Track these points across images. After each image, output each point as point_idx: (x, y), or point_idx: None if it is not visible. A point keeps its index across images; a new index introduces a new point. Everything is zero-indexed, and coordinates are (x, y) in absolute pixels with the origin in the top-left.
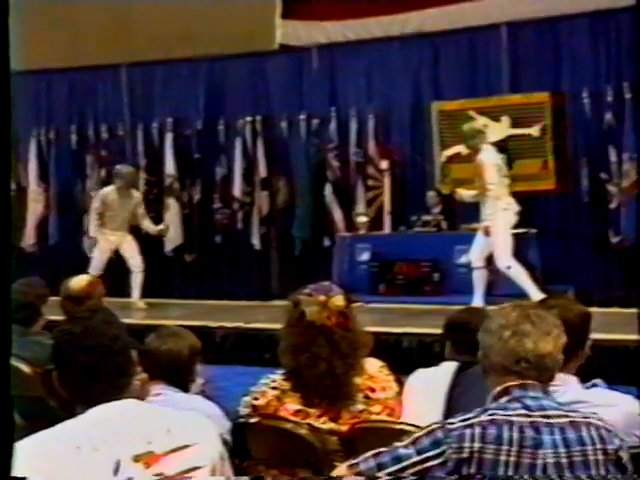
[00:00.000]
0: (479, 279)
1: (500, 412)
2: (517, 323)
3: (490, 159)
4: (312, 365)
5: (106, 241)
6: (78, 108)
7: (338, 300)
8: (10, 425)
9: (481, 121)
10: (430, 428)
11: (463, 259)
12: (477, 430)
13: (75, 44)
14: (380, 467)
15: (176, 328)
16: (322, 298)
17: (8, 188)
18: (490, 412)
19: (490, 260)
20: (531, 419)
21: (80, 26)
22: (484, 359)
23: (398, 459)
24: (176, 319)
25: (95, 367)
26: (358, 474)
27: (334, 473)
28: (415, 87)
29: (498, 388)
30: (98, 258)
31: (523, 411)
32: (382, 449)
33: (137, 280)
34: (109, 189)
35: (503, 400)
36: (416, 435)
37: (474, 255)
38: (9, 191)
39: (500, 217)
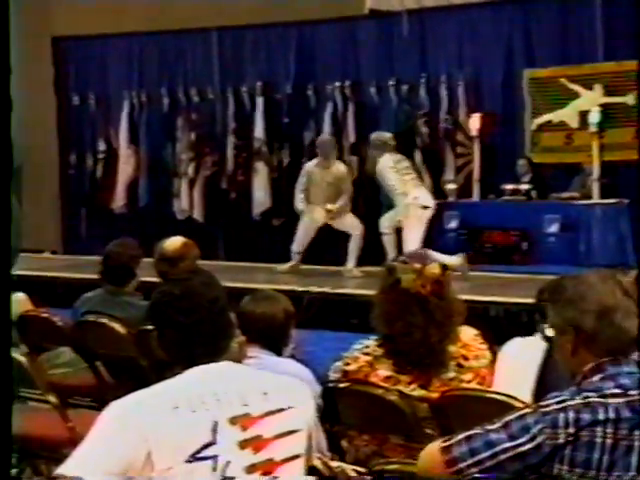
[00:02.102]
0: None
1: (594, 394)
2: (622, 302)
3: (388, 166)
4: (407, 333)
5: (312, 220)
6: (169, 71)
7: (433, 268)
8: (8, 427)
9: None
10: (521, 412)
11: (553, 228)
12: (571, 414)
13: (167, 8)
14: (472, 452)
15: (270, 292)
16: (417, 266)
17: (9, 167)
18: (584, 394)
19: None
20: (627, 399)
21: None
22: (587, 342)
23: (490, 444)
24: (263, 282)
25: (195, 329)
26: (452, 460)
27: (427, 449)
28: (506, 53)
29: (590, 364)
30: (303, 235)
31: (618, 390)
32: (473, 432)
33: (355, 245)
34: (312, 163)
35: (596, 379)
36: (507, 419)
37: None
38: (10, 170)
39: (411, 211)
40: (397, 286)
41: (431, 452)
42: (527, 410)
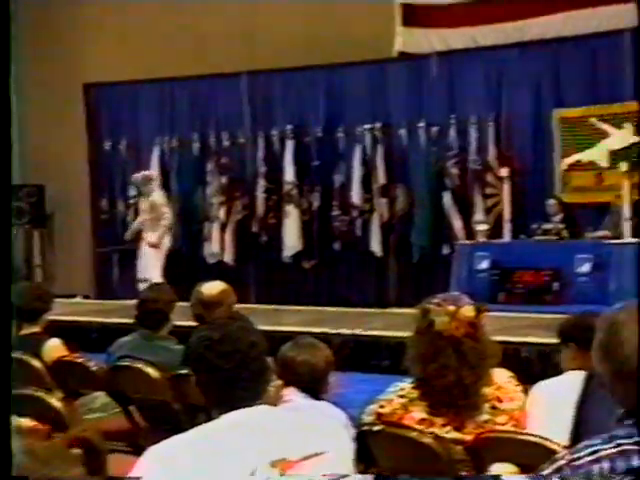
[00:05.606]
0: None
1: (627, 441)
2: None
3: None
4: (440, 375)
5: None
6: (200, 116)
7: (468, 311)
8: (8, 424)
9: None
10: (557, 465)
11: (584, 268)
12: (605, 465)
13: (198, 53)
14: None
15: (312, 339)
16: (451, 308)
17: (9, 185)
18: (617, 441)
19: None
20: None
21: (203, 35)
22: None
23: None
24: (293, 325)
25: (233, 373)
26: None
27: None
28: (535, 94)
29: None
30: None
31: None
32: None
33: None
34: None
35: (629, 422)
36: (545, 473)
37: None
38: (10, 189)
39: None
40: (431, 328)
41: None
42: (561, 462)
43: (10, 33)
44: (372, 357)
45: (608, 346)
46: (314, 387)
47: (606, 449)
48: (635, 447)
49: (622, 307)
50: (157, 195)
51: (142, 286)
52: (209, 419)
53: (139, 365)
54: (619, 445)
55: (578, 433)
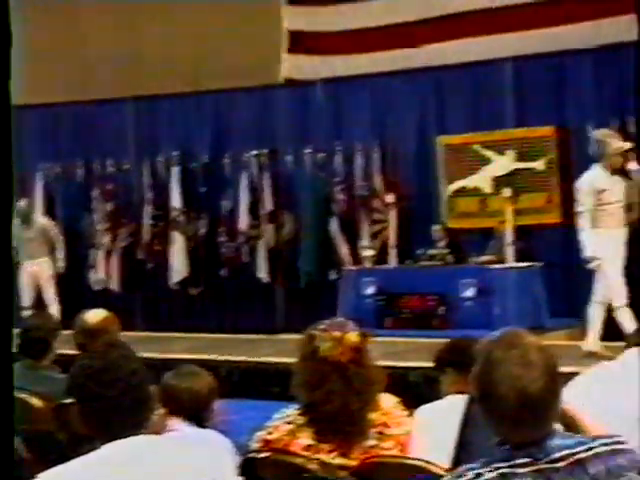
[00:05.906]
0: None
1: (504, 464)
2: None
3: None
4: (326, 401)
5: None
6: (84, 142)
7: (353, 336)
8: (11, 427)
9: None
10: None
11: (469, 292)
12: None
13: (81, 78)
14: None
15: (194, 367)
16: (337, 334)
17: (10, 188)
18: (495, 465)
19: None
20: (537, 467)
21: (87, 60)
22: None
23: None
24: (181, 352)
25: (115, 402)
26: None
27: None
28: (420, 121)
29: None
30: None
31: (528, 460)
32: None
33: None
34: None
35: (506, 447)
36: None
37: None
38: (11, 195)
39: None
40: (316, 354)
41: None
42: None
43: (10, 33)
44: (261, 383)
45: (483, 385)
46: (198, 415)
47: (485, 473)
48: (512, 470)
49: (500, 337)
50: (44, 220)
51: (25, 314)
52: (93, 449)
53: (23, 395)
54: (497, 469)
55: (459, 456)
